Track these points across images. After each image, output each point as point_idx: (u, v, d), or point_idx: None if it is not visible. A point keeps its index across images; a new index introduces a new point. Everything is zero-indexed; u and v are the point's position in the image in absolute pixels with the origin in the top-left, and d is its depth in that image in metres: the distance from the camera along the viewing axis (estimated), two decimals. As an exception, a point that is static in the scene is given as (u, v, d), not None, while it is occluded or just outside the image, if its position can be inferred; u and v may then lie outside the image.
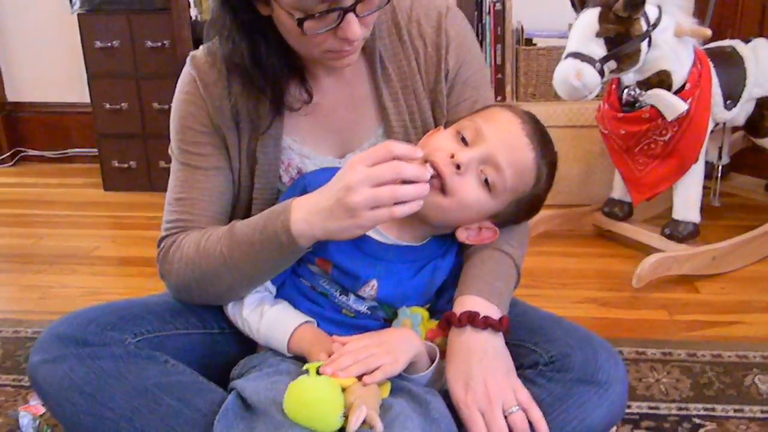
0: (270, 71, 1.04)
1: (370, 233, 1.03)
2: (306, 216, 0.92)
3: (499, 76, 2.56)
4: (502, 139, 0.98)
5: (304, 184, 1.06)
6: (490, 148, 0.97)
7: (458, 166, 0.96)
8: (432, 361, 0.99)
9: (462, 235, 1.03)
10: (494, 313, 0.98)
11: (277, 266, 1.01)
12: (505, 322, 0.99)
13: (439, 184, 0.96)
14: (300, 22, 0.91)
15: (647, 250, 2.01)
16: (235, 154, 1.10)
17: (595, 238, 2.25)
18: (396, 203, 0.87)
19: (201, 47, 1.12)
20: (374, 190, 0.86)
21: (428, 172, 0.92)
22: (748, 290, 1.87)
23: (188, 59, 1.12)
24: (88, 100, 2.80)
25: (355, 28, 0.93)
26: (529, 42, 2.57)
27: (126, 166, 2.81)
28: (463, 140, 0.99)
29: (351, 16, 0.92)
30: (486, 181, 0.97)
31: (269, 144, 1.09)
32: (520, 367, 1.01)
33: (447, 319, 0.99)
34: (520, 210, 1.04)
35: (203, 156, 1.09)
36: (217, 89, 1.08)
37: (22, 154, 3.29)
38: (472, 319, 0.96)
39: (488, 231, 1.04)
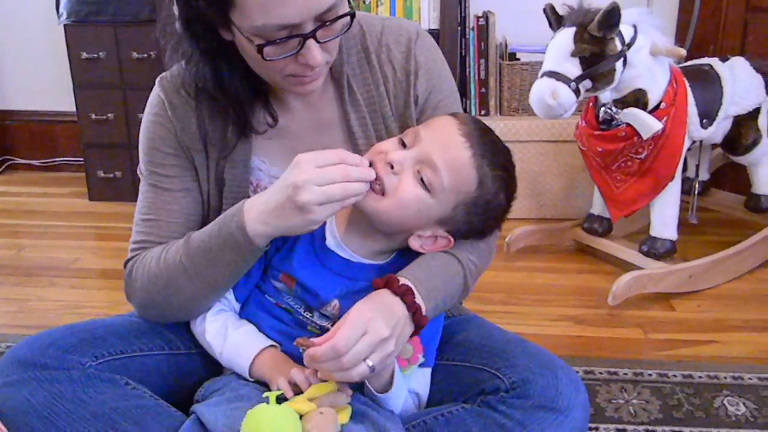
0: (233, 95, 1.04)
1: (335, 249, 1.04)
2: (259, 216, 0.95)
3: (483, 90, 2.58)
4: (436, 140, 0.99)
5: None
6: (424, 147, 0.98)
7: (391, 166, 0.97)
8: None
9: (415, 244, 1.03)
10: (417, 299, 0.97)
11: (237, 269, 1.02)
12: (424, 320, 0.96)
13: (378, 185, 0.98)
14: (260, 48, 0.92)
15: (626, 266, 2.02)
16: (204, 175, 1.11)
17: (575, 253, 2.26)
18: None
19: (169, 70, 1.12)
20: (325, 188, 0.90)
21: (373, 173, 0.96)
22: (724, 308, 1.88)
23: (157, 81, 1.13)
24: (74, 109, 2.80)
25: (316, 54, 0.94)
26: (512, 57, 2.59)
27: (111, 176, 2.82)
28: (404, 144, 1.01)
29: (311, 42, 0.93)
30: (423, 180, 0.98)
31: (237, 166, 1.10)
32: (481, 393, 1.02)
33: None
34: (473, 217, 1.02)
35: (171, 178, 1.10)
36: (185, 112, 1.08)
37: (10, 162, 3.29)
38: (387, 283, 0.96)
39: (443, 240, 1.03)
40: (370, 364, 0.89)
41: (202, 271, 1.00)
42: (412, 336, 0.97)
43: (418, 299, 0.96)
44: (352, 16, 0.96)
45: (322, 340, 0.89)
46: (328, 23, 0.93)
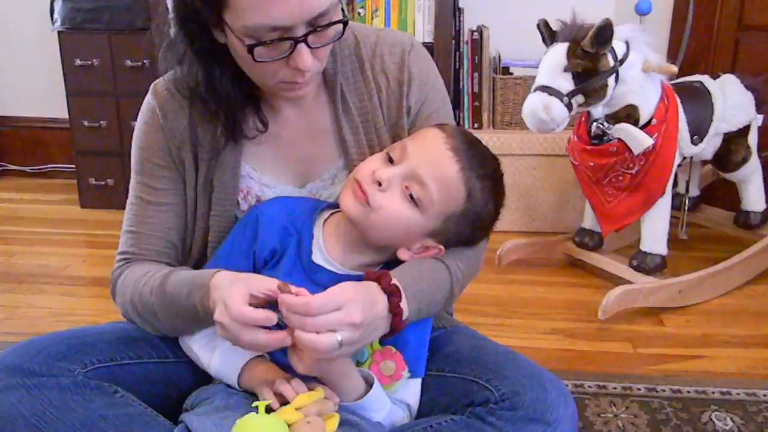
0: (224, 98, 1.05)
1: (323, 263, 1.04)
2: (214, 305, 0.94)
3: (476, 104, 2.59)
4: (424, 155, 1.00)
5: (257, 214, 1.07)
6: (412, 163, 0.99)
7: (379, 183, 0.98)
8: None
9: (404, 255, 1.03)
10: (402, 303, 0.97)
11: (205, 326, 1.03)
12: (401, 324, 0.96)
13: (364, 201, 0.98)
14: (250, 49, 0.92)
15: (617, 280, 2.03)
16: (192, 182, 1.11)
17: (567, 267, 2.27)
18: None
19: (162, 77, 1.13)
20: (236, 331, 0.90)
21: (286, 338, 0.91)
22: (713, 324, 1.89)
23: (150, 88, 1.14)
24: (67, 116, 2.79)
25: (307, 59, 0.94)
26: (506, 71, 2.60)
27: (103, 183, 2.82)
28: (391, 160, 1.01)
29: (302, 46, 0.93)
30: (411, 196, 0.98)
31: (227, 172, 1.10)
32: (471, 404, 1.01)
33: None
34: (462, 228, 1.03)
35: (157, 190, 1.11)
36: (177, 118, 1.09)
37: (1, 168, 3.28)
38: (379, 278, 0.96)
39: (434, 249, 1.04)
40: (339, 338, 0.88)
41: (172, 320, 1.03)
42: (385, 337, 0.97)
43: (403, 303, 0.96)
44: (345, 23, 0.97)
45: (303, 292, 0.89)
46: (320, 29, 0.93)
